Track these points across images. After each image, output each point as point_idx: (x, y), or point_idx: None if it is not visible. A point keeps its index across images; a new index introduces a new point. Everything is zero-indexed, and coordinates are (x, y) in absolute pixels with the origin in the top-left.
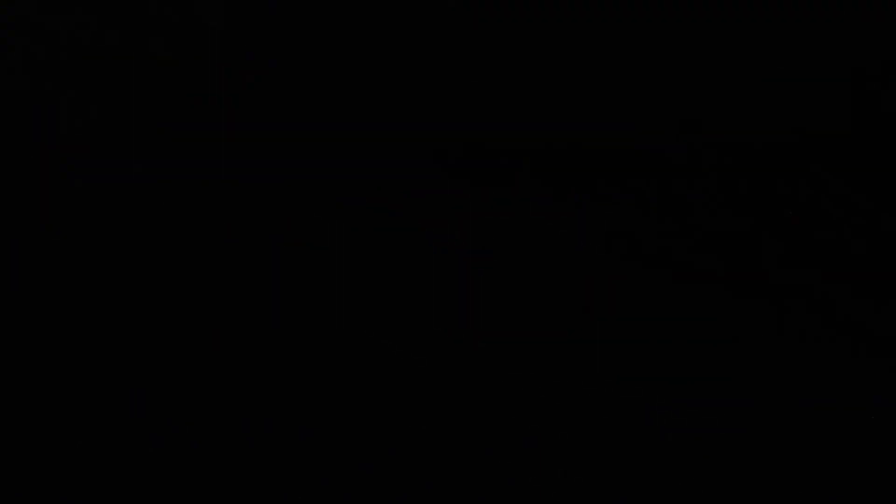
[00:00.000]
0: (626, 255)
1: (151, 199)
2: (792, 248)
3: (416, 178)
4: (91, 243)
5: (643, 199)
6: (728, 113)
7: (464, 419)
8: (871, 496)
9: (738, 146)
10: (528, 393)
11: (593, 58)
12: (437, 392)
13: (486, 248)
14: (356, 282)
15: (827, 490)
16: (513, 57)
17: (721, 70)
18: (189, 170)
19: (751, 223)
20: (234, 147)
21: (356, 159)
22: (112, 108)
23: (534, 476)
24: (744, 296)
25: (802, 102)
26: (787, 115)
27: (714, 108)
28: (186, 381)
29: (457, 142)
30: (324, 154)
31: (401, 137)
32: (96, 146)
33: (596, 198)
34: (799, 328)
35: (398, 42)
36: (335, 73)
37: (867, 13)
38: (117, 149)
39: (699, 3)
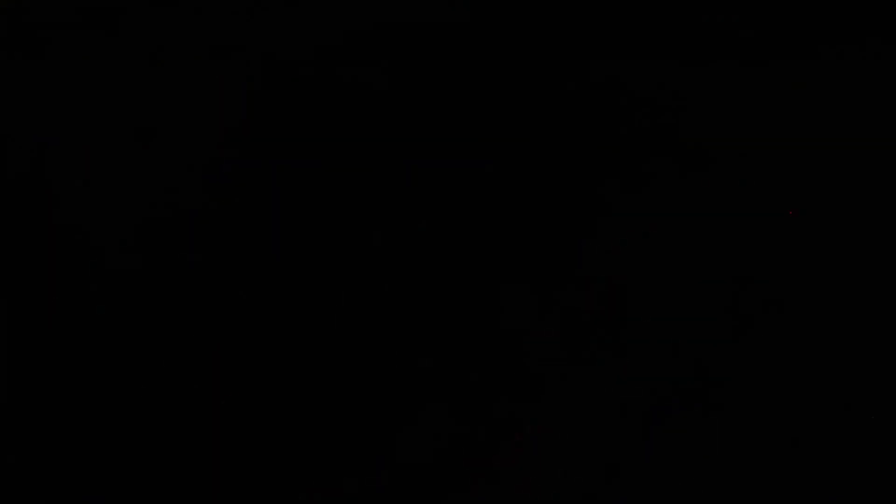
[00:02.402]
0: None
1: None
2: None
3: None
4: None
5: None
6: None
7: (465, 419)
8: (871, 496)
9: None
10: (527, 392)
11: None
12: (437, 390)
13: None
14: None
15: (826, 490)
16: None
17: None
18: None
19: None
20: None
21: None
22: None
23: (533, 476)
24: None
25: None
26: None
27: None
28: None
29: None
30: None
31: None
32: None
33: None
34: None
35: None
36: None
37: None
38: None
39: None
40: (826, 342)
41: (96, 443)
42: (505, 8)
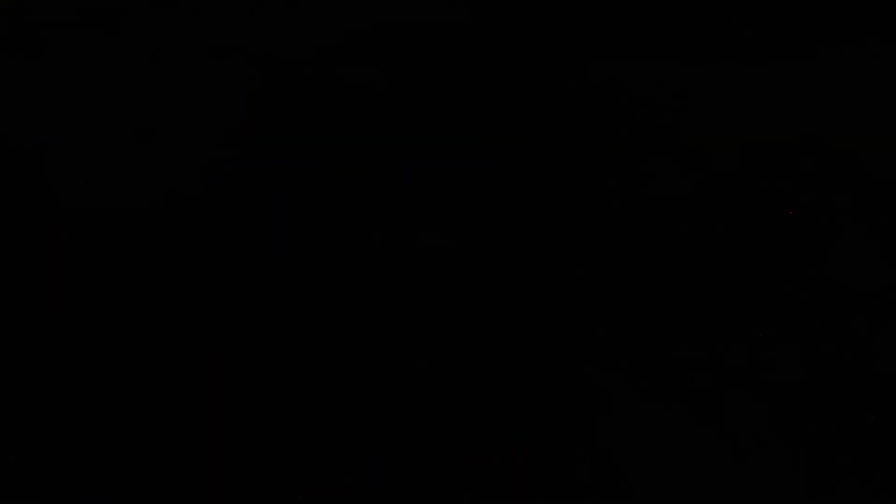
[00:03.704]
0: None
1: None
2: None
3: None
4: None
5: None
6: None
7: (464, 420)
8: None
9: None
10: (524, 394)
11: None
12: (437, 391)
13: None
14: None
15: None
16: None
17: None
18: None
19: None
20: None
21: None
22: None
23: (532, 475)
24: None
25: None
26: None
27: None
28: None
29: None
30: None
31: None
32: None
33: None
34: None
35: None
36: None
37: None
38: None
39: None
40: (827, 339)
41: (96, 442)
42: (505, 8)
